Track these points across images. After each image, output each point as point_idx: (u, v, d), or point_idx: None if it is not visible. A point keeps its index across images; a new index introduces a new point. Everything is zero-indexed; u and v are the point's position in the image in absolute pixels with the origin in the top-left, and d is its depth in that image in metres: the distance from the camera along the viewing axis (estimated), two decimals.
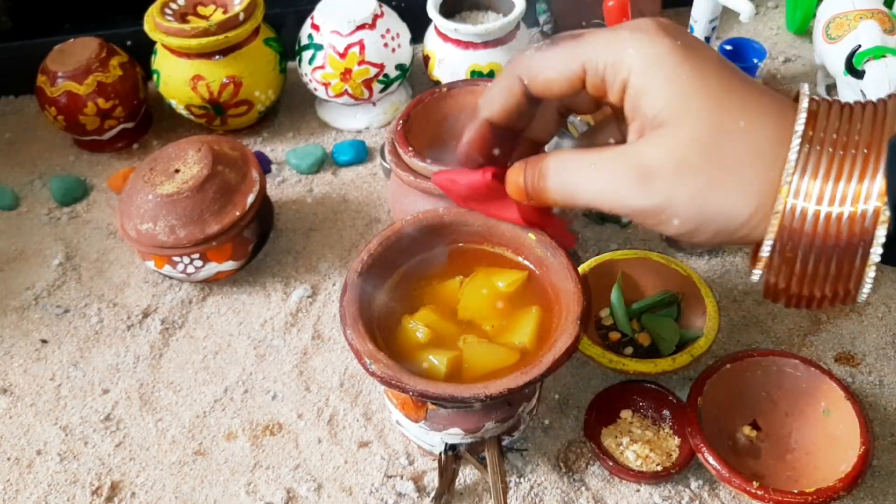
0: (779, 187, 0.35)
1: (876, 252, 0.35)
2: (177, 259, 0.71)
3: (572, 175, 0.41)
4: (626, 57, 0.38)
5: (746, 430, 0.60)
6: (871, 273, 0.36)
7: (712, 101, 0.37)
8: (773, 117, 0.37)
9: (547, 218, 0.51)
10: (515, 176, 0.45)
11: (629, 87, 0.39)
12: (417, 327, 0.52)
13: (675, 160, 0.37)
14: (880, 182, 0.34)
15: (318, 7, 0.86)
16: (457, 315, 0.53)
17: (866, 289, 0.37)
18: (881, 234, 0.34)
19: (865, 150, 0.35)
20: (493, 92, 0.44)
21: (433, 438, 0.56)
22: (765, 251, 0.37)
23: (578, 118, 0.74)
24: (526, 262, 0.55)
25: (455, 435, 0.54)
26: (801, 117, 0.36)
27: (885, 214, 0.34)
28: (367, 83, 0.86)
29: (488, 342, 0.52)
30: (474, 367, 0.51)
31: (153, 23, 0.82)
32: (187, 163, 0.71)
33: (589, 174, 0.40)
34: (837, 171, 0.35)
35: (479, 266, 0.55)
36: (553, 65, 0.41)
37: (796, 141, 0.35)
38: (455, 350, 0.51)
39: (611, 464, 0.59)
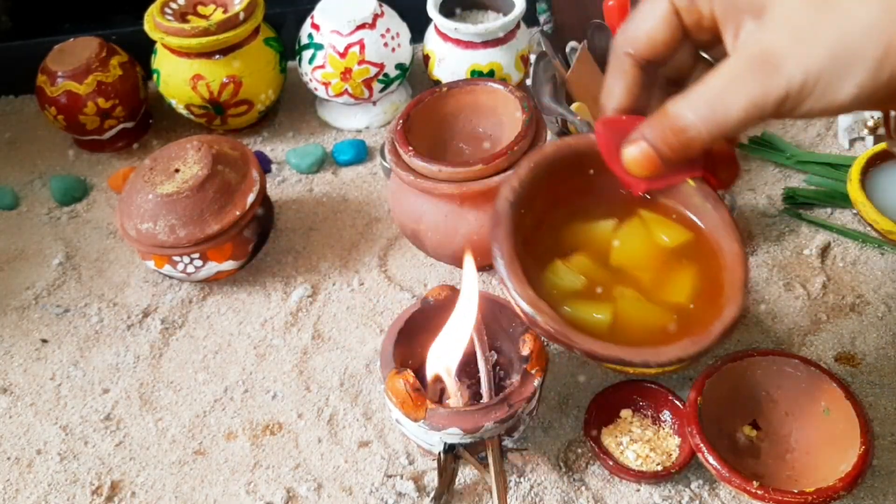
0: None
1: None
2: (177, 259, 0.71)
3: (711, 106, 0.39)
4: None
5: (746, 429, 0.60)
6: None
7: None
8: None
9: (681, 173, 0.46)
10: (639, 150, 0.43)
11: None
12: (571, 274, 0.46)
13: (791, 29, 0.37)
14: None
15: (318, 7, 0.86)
16: (608, 262, 0.47)
17: None
18: None
19: None
20: (609, 83, 0.45)
21: (433, 438, 0.56)
22: None
23: (578, 118, 0.74)
24: (685, 211, 0.48)
25: (454, 434, 0.55)
26: None
27: None
28: (367, 83, 0.86)
29: (645, 300, 0.46)
30: (628, 326, 0.45)
31: (153, 22, 0.82)
32: (187, 162, 0.71)
33: (726, 96, 0.39)
34: None
35: (633, 207, 0.48)
36: (646, 18, 0.42)
37: None
38: (611, 303, 0.46)
39: (611, 463, 0.59)
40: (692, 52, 0.47)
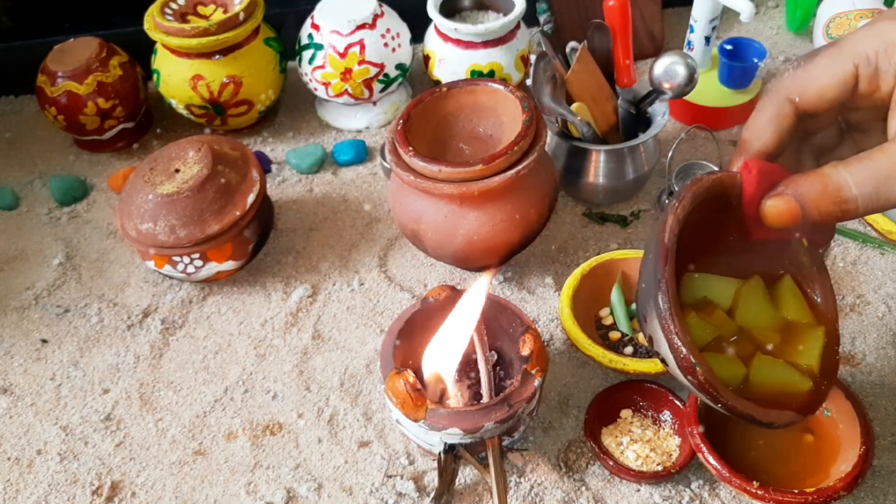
0: None
1: None
2: (177, 259, 0.71)
3: (877, 187, 0.39)
4: (892, 37, 0.40)
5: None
6: None
7: None
8: None
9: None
10: (785, 204, 0.42)
11: None
12: (707, 327, 0.46)
13: None
14: None
15: (319, 7, 0.86)
16: (734, 317, 0.48)
17: None
18: None
19: None
20: (761, 123, 0.44)
21: (433, 438, 0.56)
22: None
23: (579, 118, 0.74)
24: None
25: (454, 435, 0.54)
26: None
27: None
28: (368, 83, 0.86)
29: (784, 362, 0.47)
30: (761, 383, 0.46)
31: (153, 22, 0.82)
32: (187, 163, 0.71)
33: (891, 174, 0.39)
34: None
35: (753, 260, 0.48)
36: (824, 72, 0.42)
37: None
38: (742, 361, 0.47)
39: (611, 463, 0.59)
40: (843, 127, 0.47)
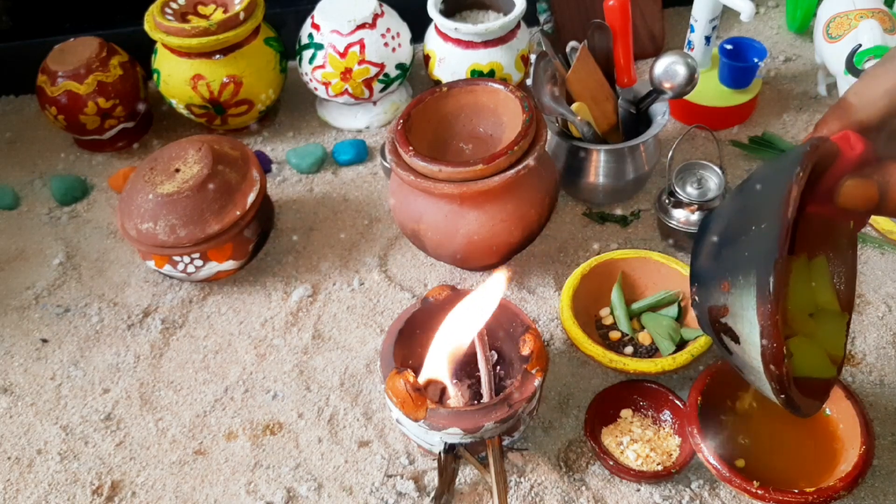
0: None
1: None
2: (177, 258, 0.71)
3: None
4: None
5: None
6: None
7: None
8: None
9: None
10: (866, 188, 0.40)
11: None
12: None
13: None
14: None
15: (319, 6, 0.86)
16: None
17: None
18: None
19: None
20: (876, 91, 0.41)
21: (433, 438, 0.56)
22: None
23: (579, 118, 0.74)
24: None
25: (455, 434, 0.54)
26: None
27: None
28: (368, 82, 0.86)
29: (821, 348, 0.46)
30: (798, 367, 0.46)
31: (153, 22, 0.82)
32: (187, 162, 0.71)
33: None
34: None
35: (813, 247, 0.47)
36: None
37: None
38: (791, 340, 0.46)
39: (611, 463, 0.59)
40: None
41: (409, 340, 0.60)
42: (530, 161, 0.64)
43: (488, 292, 0.55)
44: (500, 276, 0.54)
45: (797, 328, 0.46)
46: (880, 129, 0.42)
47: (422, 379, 0.56)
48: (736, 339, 0.42)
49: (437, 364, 0.56)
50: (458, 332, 0.55)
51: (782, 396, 0.42)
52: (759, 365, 0.41)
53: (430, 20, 0.85)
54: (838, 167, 0.42)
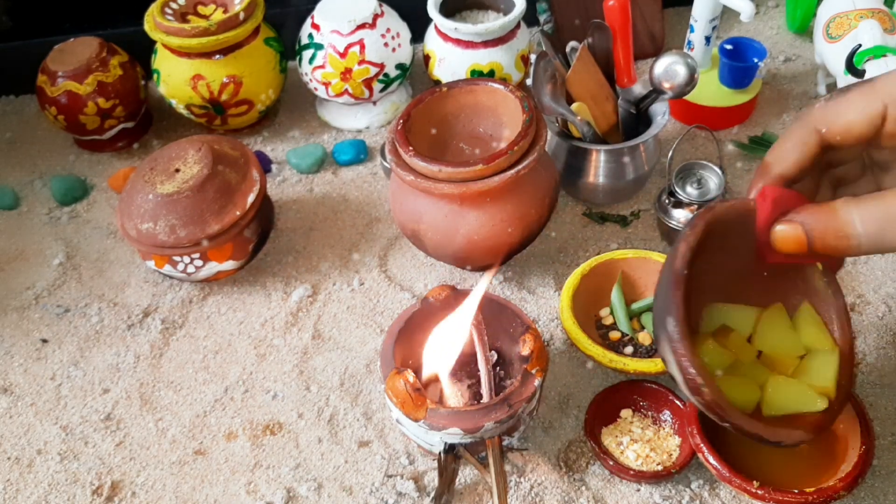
0: None
1: None
2: (177, 259, 0.71)
3: (882, 221, 0.40)
4: None
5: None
6: None
7: None
8: None
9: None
10: (793, 231, 0.44)
11: None
12: (722, 353, 0.49)
13: None
14: None
15: (319, 6, 0.86)
16: (751, 342, 0.50)
17: None
18: None
19: None
20: (786, 148, 0.45)
21: (433, 438, 0.56)
22: None
23: (579, 118, 0.74)
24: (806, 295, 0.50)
25: (455, 434, 0.55)
26: None
27: None
28: (368, 82, 0.86)
29: (798, 381, 0.48)
30: (777, 403, 0.48)
31: (153, 22, 0.82)
32: (187, 162, 0.71)
33: None
34: None
35: (772, 287, 0.50)
36: (854, 107, 0.43)
37: None
38: (758, 385, 0.49)
39: (611, 463, 0.59)
40: (866, 162, 0.48)
41: (409, 340, 0.60)
42: (530, 161, 0.64)
43: (473, 295, 0.55)
44: (484, 279, 0.55)
45: (782, 370, 0.50)
46: (801, 179, 0.46)
47: (423, 377, 0.56)
48: (679, 384, 0.46)
49: (436, 364, 0.56)
50: (451, 334, 0.55)
51: (726, 424, 0.45)
52: (693, 400, 0.45)
53: (430, 20, 0.85)
54: (762, 218, 0.46)
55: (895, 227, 0.39)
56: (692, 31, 0.88)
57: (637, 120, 0.78)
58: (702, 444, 0.56)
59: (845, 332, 0.49)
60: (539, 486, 0.60)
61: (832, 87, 0.90)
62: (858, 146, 0.46)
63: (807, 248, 0.43)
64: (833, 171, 0.49)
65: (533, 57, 0.72)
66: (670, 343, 0.44)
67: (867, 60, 0.76)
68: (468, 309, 0.55)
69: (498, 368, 0.63)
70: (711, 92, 0.86)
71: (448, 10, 0.86)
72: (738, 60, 0.85)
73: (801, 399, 0.48)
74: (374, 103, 0.91)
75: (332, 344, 0.71)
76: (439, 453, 0.57)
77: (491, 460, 0.56)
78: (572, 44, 0.75)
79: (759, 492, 0.53)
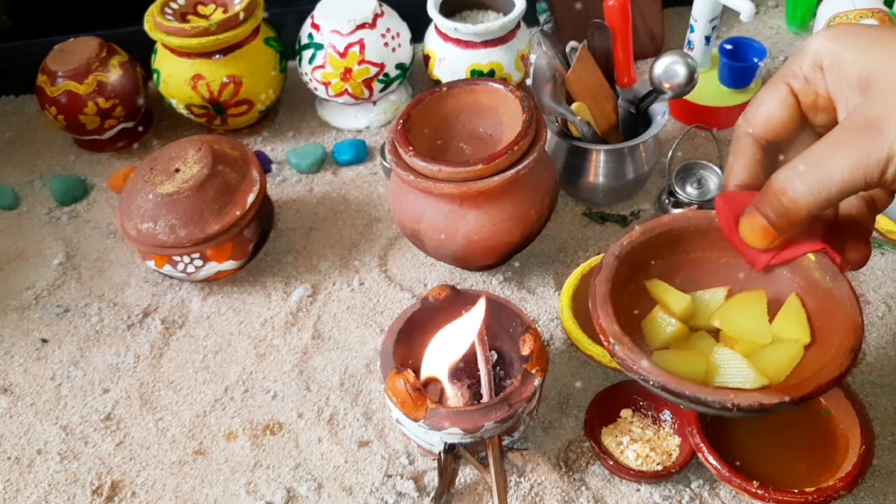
0: None
1: None
2: (177, 258, 0.71)
3: (815, 171, 0.41)
4: (813, 47, 0.43)
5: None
6: None
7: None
8: None
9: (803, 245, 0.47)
10: (752, 221, 0.45)
11: (827, 70, 0.42)
12: (668, 322, 0.51)
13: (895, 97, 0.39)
14: None
15: (319, 6, 0.86)
16: (710, 321, 0.52)
17: None
18: None
19: None
20: (731, 162, 0.48)
21: (433, 438, 0.56)
22: None
23: (579, 117, 0.74)
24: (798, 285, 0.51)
25: (455, 434, 0.54)
26: None
27: None
28: (368, 82, 0.86)
29: (740, 357, 0.49)
30: (715, 372, 0.49)
31: (153, 22, 0.82)
32: (187, 162, 0.71)
33: (829, 160, 0.40)
34: None
35: (746, 284, 0.52)
36: (764, 98, 0.46)
37: None
38: (704, 355, 0.50)
39: (611, 463, 0.59)
40: (814, 138, 0.49)
41: (409, 340, 0.60)
42: (530, 161, 0.64)
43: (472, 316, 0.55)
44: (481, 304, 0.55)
45: (742, 351, 0.50)
46: (757, 184, 0.47)
47: (422, 377, 0.56)
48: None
49: (436, 364, 0.56)
50: (453, 340, 0.55)
51: (639, 379, 0.46)
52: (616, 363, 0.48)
53: (430, 20, 0.85)
54: (725, 225, 0.48)
55: (826, 165, 0.40)
56: (692, 31, 0.88)
57: (637, 120, 0.78)
58: (702, 444, 0.56)
59: (855, 309, 0.47)
60: (539, 485, 0.60)
61: None
62: (793, 132, 0.47)
63: (775, 232, 0.44)
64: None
65: (533, 57, 0.72)
66: (594, 312, 0.48)
67: None
68: (474, 320, 0.54)
69: (498, 368, 0.63)
70: (711, 92, 0.86)
71: (448, 10, 0.86)
72: (738, 60, 0.85)
73: (738, 373, 0.48)
74: (374, 103, 0.91)
75: (332, 344, 0.71)
76: (439, 453, 0.57)
77: (491, 460, 0.56)
78: (572, 44, 0.75)
79: (759, 492, 0.53)
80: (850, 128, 0.40)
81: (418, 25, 0.89)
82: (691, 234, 0.52)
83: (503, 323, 0.62)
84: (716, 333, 0.52)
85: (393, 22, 0.86)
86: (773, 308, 0.51)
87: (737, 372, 0.49)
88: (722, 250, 0.52)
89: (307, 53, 0.86)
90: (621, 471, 0.58)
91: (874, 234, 0.75)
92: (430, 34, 0.88)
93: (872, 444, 0.55)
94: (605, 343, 0.47)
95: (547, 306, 0.72)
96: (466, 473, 0.61)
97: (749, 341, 0.50)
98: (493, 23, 0.82)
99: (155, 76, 0.86)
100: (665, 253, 0.53)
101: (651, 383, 0.45)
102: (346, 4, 0.85)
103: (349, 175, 0.87)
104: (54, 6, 0.97)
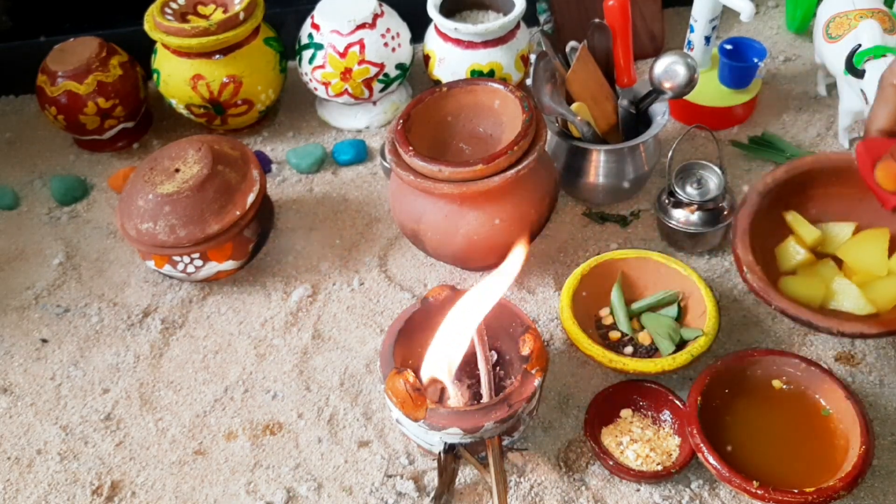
0: None
1: None
2: (177, 258, 0.71)
3: None
4: None
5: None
6: None
7: None
8: None
9: None
10: (888, 165, 0.51)
11: None
12: (798, 251, 0.60)
13: None
14: None
15: (319, 6, 0.86)
16: (836, 251, 0.61)
17: None
18: None
19: None
20: (875, 108, 0.53)
21: (433, 438, 0.56)
22: None
23: (578, 118, 0.74)
24: None
25: (455, 434, 0.54)
26: None
27: None
28: (368, 82, 0.86)
29: (858, 289, 0.58)
30: (831, 298, 0.59)
31: (153, 22, 0.82)
32: (187, 162, 0.71)
33: None
34: None
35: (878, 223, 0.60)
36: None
37: None
38: (826, 283, 0.59)
39: (611, 463, 0.59)
40: None
41: (409, 340, 0.60)
42: (530, 161, 0.64)
43: (503, 272, 0.55)
44: (520, 252, 0.55)
45: (858, 281, 0.60)
46: None
47: (423, 377, 0.56)
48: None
49: (438, 361, 0.56)
50: (462, 322, 0.55)
51: (773, 307, 0.57)
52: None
53: (429, 20, 0.85)
54: (862, 168, 0.54)
55: None
56: (692, 31, 0.88)
57: (637, 120, 0.78)
58: (702, 444, 0.56)
59: None
60: (539, 485, 0.60)
61: (832, 88, 0.90)
62: None
63: None
64: None
65: (533, 57, 0.72)
66: (733, 245, 0.58)
67: (867, 60, 0.75)
68: (477, 314, 0.54)
69: (498, 368, 0.63)
70: (711, 92, 0.86)
71: (448, 10, 0.86)
72: (738, 60, 0.85)
73: (851, 300, 0.57)
74: (374, 103, 0.91)
75: (332, 344, 0.71)
76: (439, 453, 0.57)
77: (491, 460, 0.56)
78: (572, 44, 0.75)
79: (759, 492, 0.53)
80: None
81: (418, 25, 0.89)
82: (829, 172, 0.60)
83: (503, 323, 0.62)
84: (840, 261, 0.61)
85: (393, 22, 0.86)
86: (894, 246, 0.59)
87: (850, 299, 0.57)
88: (856, 188, 0.58)
89: (307, 53, 0.86)
90: (621, 471, 0.58)
91: None
92: (430, 34, 0.88)
93: (872, 444, 0.55)
94: (739, 271, 0.56)
95: (547, 306, 0.72)
96: (466, 473, 0.61)
97: (867, 272, 0.58)
98: (493, 23, 0.82)
99: (155, 76, 0.86)
100: (804, 188, 0.61)
101: (773, 307, 0.55)
102: (346, 4, 0.85)
103: (349, 175, 0.87)
104: (54, 6, 0.97)
